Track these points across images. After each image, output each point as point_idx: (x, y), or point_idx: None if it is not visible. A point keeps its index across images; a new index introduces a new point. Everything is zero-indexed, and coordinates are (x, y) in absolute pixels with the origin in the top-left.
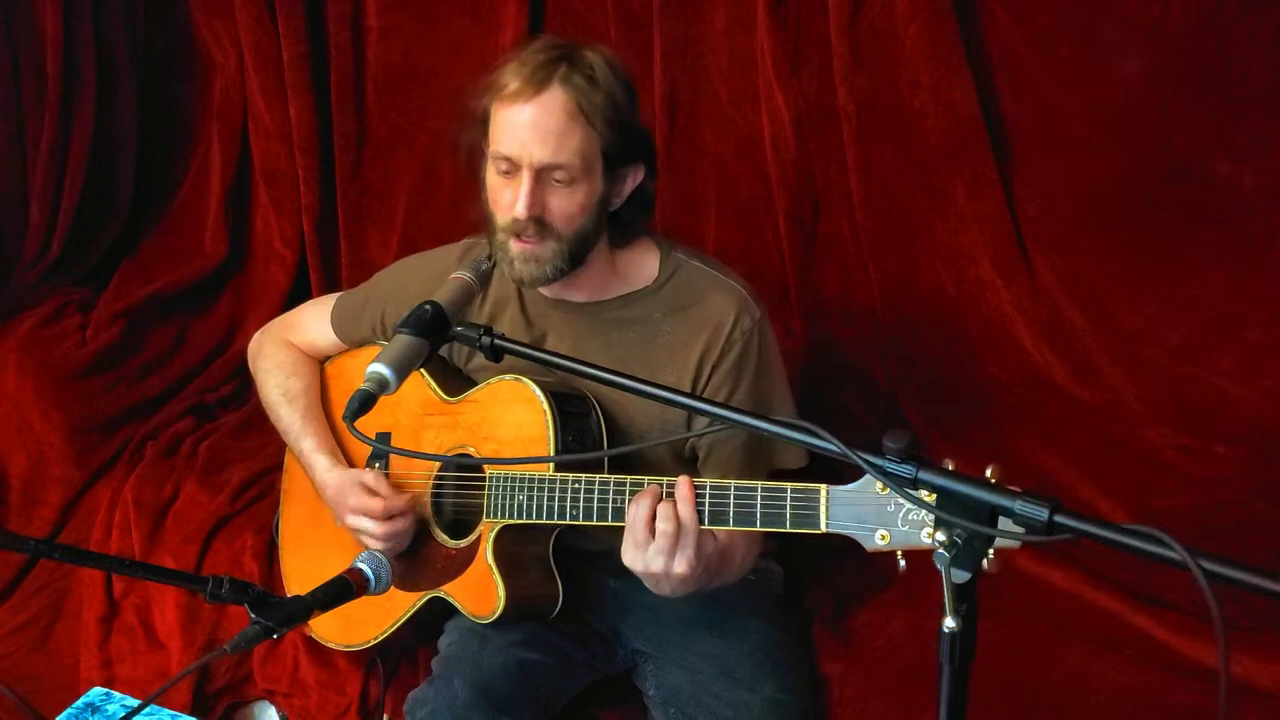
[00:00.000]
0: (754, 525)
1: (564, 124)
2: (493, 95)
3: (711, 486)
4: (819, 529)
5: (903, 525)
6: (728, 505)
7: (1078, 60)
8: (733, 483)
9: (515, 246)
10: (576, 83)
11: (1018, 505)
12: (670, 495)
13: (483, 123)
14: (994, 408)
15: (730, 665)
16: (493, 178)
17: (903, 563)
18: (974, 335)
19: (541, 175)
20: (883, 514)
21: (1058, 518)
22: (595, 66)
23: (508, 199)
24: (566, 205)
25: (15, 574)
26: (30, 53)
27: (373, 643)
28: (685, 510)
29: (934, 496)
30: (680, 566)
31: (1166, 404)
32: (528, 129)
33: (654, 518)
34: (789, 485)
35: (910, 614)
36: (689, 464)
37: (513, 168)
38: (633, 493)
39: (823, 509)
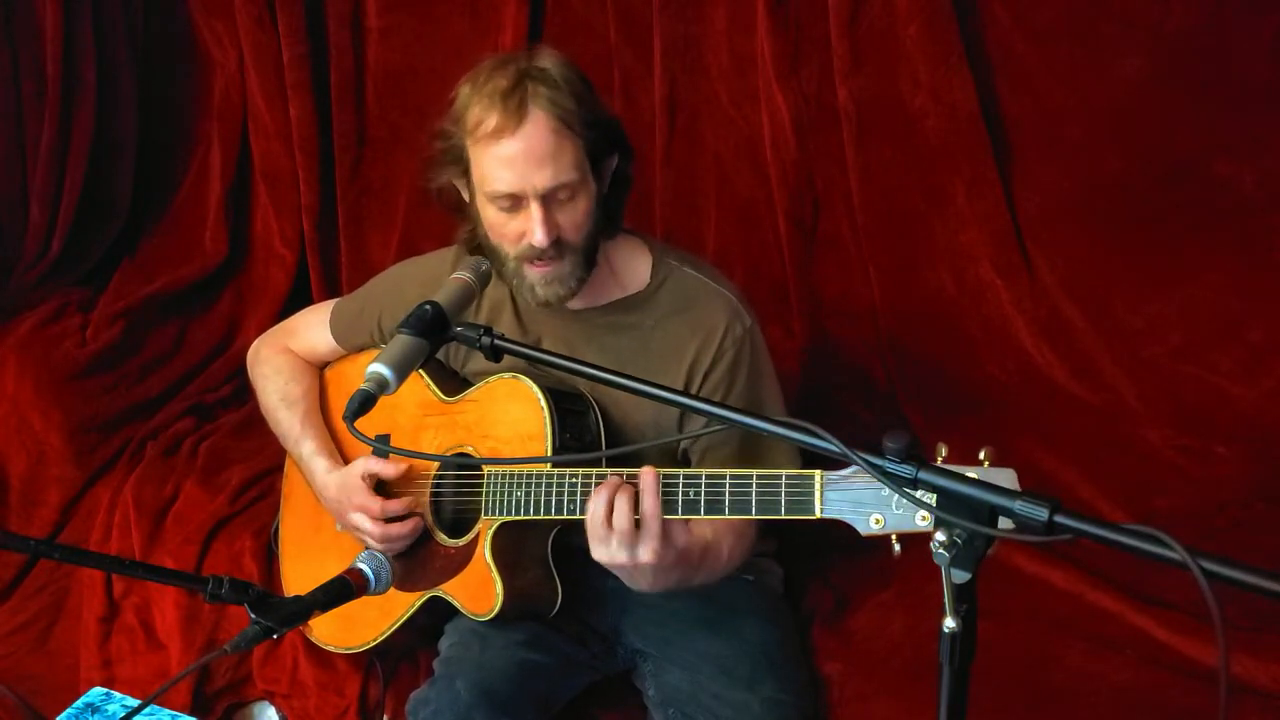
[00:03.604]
0: (749, 513)
1: (554, 143)
2: (467, 134)
3: (707, 476)
4: (814, 514)
5: (897, 509)
6: (723, 494)
7: (1078, 60)
8: (728, 471)
9: (534, 271)
10: (549, 96)
11: (1017, 505)
12: (632, 483)
13: (457, 163)
14: (994, 408)
15: (729, 665)
16: (494, 215)
17: (898, 547)
18: (974, 335)
19: (546, 199)
20: (878, 498)
21: (1058, 518)
22: (552, 72)
23: (515, 230)
24: (575, 217)
25: (15, 574)
26: (30, 53)
27: (372, 644)
28: (648, 501)
29: (934, 496)
30: (645, 556)
31: (1166, 404)
32: (522, 161)
33: (611, 511)
34: (784, 472)
35: (910, 614)
36: (682, 467)
37: (514, 201)
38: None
39: (817, 494)
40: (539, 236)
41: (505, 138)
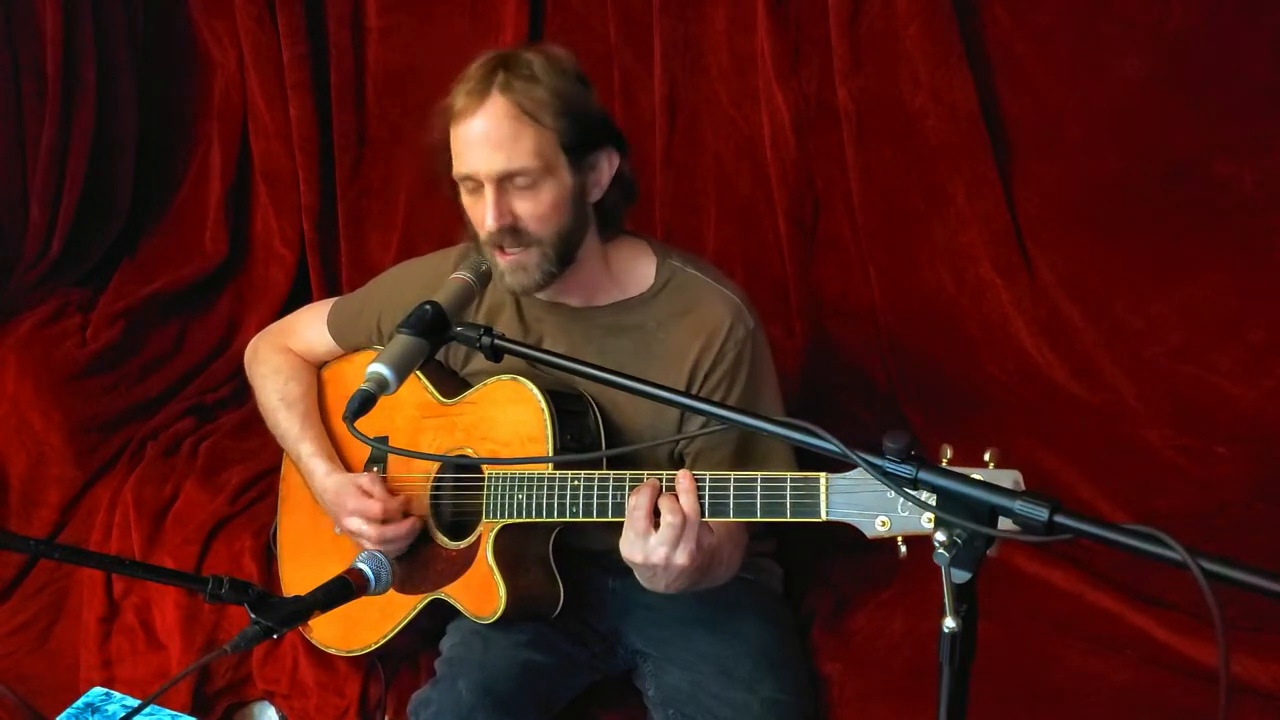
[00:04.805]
0: (754, 515)
1: (510, 129)
2: (446, 120)
3: (712, 478)
4: (819, 517)
5: (903, 511)
6: (728, 496)
7: (1078, 60)
8: (732, 474)
9: (501, 260)
10: (514, 85)
11: (1017, 505)
12: (671, 489)
13: (446, 149)
14: (994, 408)
15: (729, 665)
16: (465, 198)
17: (904, 549)
18: (974, 335)
19: (503, 184)
20: (883, 500)
21: (1058, 518)
22: (533, 64)
23: (479, 215)
24: (535, 207)
25: (15, 574)
26: (30, 53)
27: (373, 647)
28: (688, 501)
29: (934, 496)
30: (681, 558)
31: (1166, 404)
32: (477, 142)
33: (654, 509)
34: (789, 474)
35: (910, 614)
36: (679, 469)
37: (476, 184)
38: (632, 489)
39: (823, 497)
40: (488, 220)
41: (466, 120)
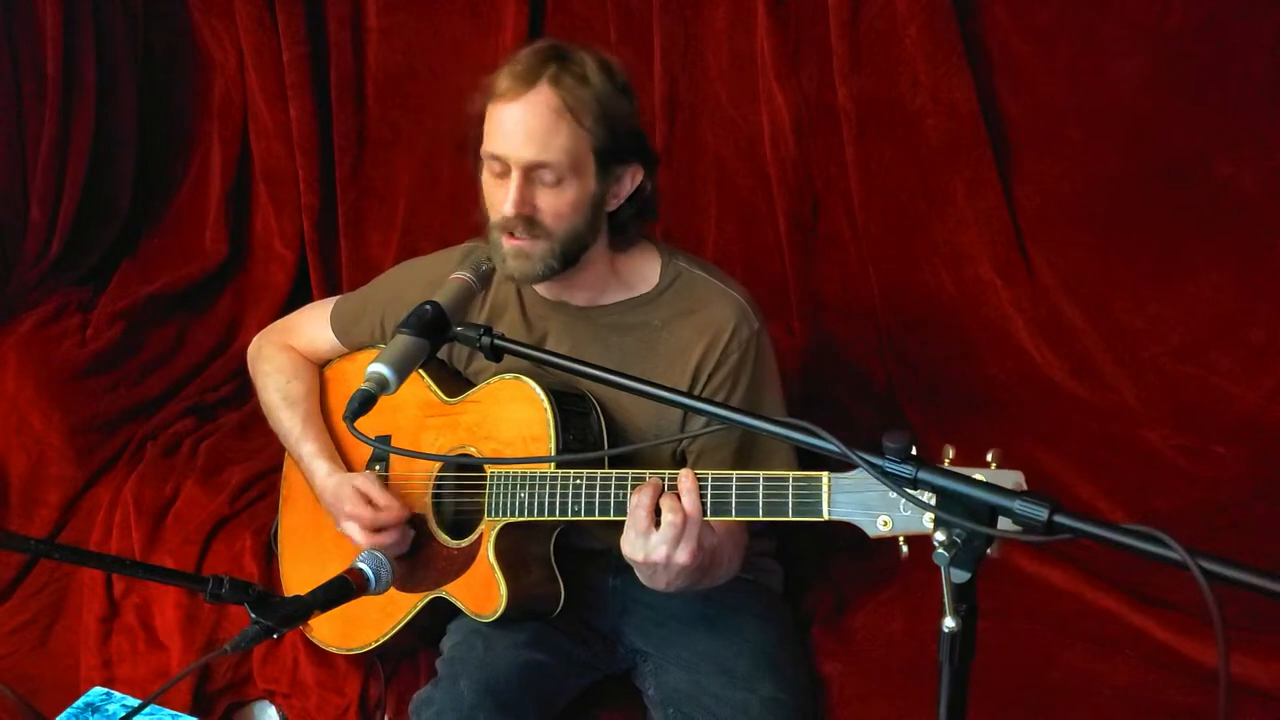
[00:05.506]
0: (756, 515)
1: (550, 122)
2: (487, 96)
3: (714, 478)
4: (821, 516)
5: (905, 511)
6: (730, 496)
7: (1078, 60)
8: (734, 474)
9: (507, 244)
10: (565, 81)
11: (1017, 505)
12: (673, 488)
13: (480, 123)
14: (994, 408)
15: (728, 665)
16: (486, 177)
17: (905, 549)
18: (974, 335)
19: (530, 174)
20: (885, 500)
21: (1057, 518)
22: (586, 65)
23: (499, 198)
24: (556, 203)
25: (15, 574)
26: (30, 53)
27: (374, 645)
28: (690, 500)
29: (934, 496)
30: (682, 556)
31: (1166, 404)
32: (515, 128)
33: (656, 508)
34: (790, 474)
35: (910, 614)
36: (681, 468)
37: (503, 167)
38: (634, 488)
39: (825, 496)
40: (508, 206)
41: (508, 102)
